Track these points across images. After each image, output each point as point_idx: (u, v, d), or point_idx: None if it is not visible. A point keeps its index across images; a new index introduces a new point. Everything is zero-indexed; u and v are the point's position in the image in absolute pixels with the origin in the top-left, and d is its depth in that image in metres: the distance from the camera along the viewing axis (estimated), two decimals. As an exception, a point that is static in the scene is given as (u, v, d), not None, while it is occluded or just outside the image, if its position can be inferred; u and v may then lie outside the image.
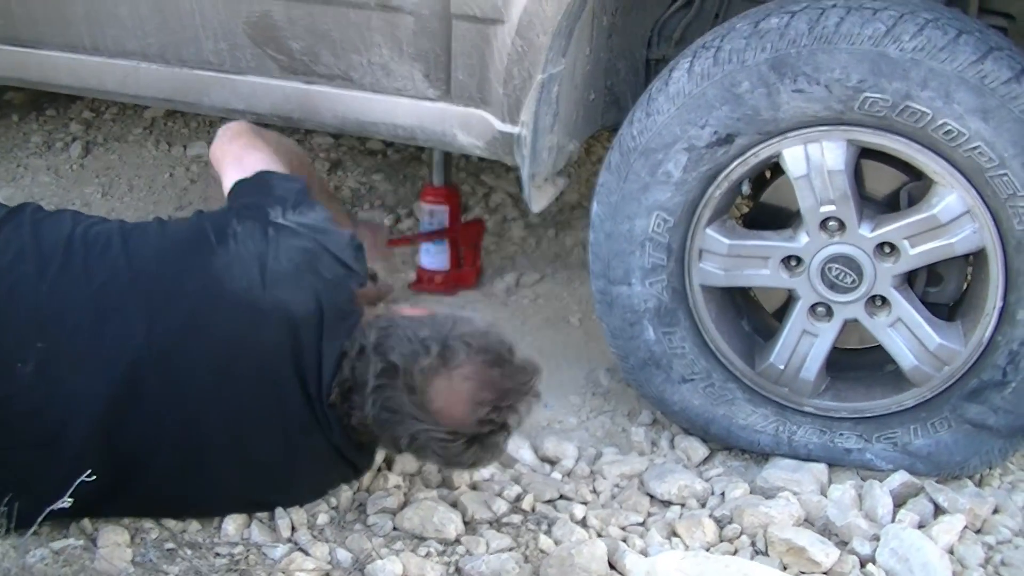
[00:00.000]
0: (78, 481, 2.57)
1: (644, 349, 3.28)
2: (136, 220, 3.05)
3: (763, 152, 3.02)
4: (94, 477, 2.60)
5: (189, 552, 2.79)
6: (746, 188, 3.19)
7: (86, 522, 2.83)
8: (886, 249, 3.02)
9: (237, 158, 3.09)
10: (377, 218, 4.74)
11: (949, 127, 2.84)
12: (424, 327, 2.80)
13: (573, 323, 4.14)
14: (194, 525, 2.88)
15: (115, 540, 2.77)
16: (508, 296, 4.30)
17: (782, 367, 3.20)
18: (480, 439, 2.75)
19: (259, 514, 2.92)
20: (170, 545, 2.80)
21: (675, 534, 3.01)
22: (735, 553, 2.93)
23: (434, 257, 4.28)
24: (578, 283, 4.33)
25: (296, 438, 2.80)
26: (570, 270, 4.45)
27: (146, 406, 2.68)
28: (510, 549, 2.89)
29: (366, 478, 3.08)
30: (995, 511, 3.09)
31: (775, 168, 3.15)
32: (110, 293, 2.73)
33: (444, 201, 4.25)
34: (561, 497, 3.16)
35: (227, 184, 3.05)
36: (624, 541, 2.93)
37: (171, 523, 2.87)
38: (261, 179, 3.00)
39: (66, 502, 2.55)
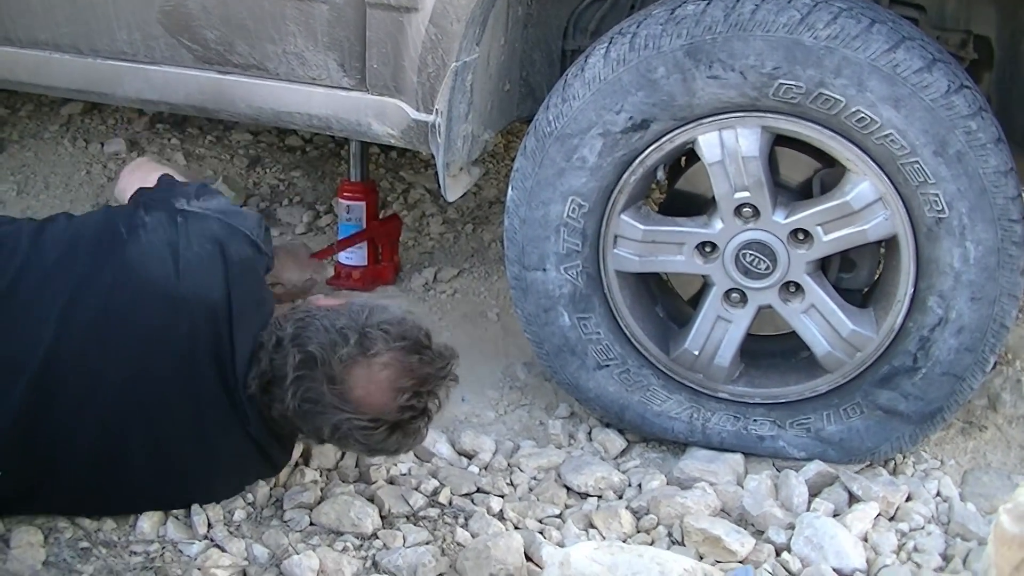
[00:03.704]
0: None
1: (559, 335, 3.28)
2: (47, 217, 3.02)
3: (678, 138, 3.03)
4: (6, 474, 2.61)
5: (104, 551, 2.76)
6: (661, 175, 3.20)
7: (-1, 521, 2.80)
8: (800, 236, 3.05)
9: (142, 180, 3.09)
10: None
11: (862, 115, 2.86)
12: (341, 317, 2.80)
13: (491, 318, 4.13)
14: (109, 523, 2.84)
15: (28, 540, 2.73)
16: (426, 291, 4.29)
17: (696, 353, 3.21)
18: (401, 425, 2.75)
19: (175, 511, 2.89)
20: (84, 544, 2.76)
21: (592, 526, 3.02)
22: (652, 543, 2.94)
23: (352, 253, 4.27)
24: (496, 278, 4.34)
25: (214, 431, 2.78)
26: (488, 265, 4.45)
27: (62, 403, 2.65)
28: (427, 543, 2.89)
29: (283, 473, 3.06)
30: (908, 499, 3.12)
31: (690, 154, 3.17)
32: (19, 292, 2.69)
33: (361, 197, 4.25)
34: (478, 490, 3.15)
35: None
36: (541, 533, 2.94)
37: (85, 522, 2.83)
38: (163, 180, 3.03)
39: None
